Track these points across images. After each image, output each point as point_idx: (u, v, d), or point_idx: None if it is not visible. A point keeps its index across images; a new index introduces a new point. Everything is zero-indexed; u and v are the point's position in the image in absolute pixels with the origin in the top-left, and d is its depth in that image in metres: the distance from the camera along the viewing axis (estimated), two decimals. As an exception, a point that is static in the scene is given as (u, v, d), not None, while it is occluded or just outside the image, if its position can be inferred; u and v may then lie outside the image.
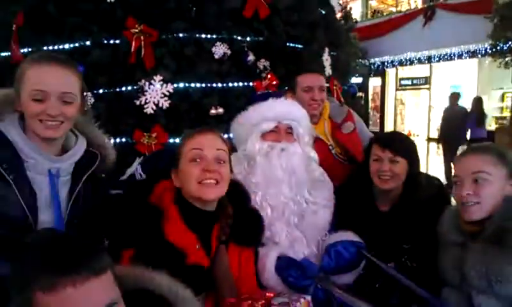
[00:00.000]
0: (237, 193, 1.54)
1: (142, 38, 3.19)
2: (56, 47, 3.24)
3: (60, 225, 1.34)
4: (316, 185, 1.78)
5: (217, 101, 3.29)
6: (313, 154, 1.80)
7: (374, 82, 18.81)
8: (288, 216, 1.67)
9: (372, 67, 17.63)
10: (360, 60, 16.78)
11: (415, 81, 17.47)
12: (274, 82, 3.49)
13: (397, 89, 18.19)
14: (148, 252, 1.26)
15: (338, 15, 4.93)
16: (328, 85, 4.19)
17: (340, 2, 5.21)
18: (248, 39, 3.57)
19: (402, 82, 18.02)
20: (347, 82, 4.79)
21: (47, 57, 1.37)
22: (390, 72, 18.22)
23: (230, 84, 3.41)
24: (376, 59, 17.48)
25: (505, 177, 1.47)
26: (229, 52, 3.41)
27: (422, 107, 16.61)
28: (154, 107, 3.14)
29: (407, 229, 1.75)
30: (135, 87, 3.16)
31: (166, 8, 3.27)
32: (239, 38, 3.52)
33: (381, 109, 19.25)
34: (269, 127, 1.73)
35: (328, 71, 4.22)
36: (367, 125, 19.24)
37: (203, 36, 3.40)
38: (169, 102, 3.15)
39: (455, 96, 8.84)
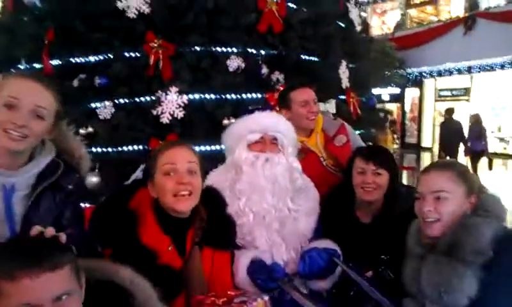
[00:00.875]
0: (213, 198, 1.66)
1: (160, 51, 3.39)
2: (82, 60, 3.50)
3: None
4: (299, 193, 1.88)
5: (230, 112, 3.42)
6: (297, 164, 1.89)
7: (412, 93, 18.46)
8: (269, 222, 1.77)
9: (410, 77, 17.32)
10: (397, 70, 16.51)
11: (454, 92, 17.03)
12: (287, 95, 3.58)
13: (436, 100, 17.77)
14: (122, 253, 1.40)
15: (360, 27, 4.95)
16: (344, 97, 4.26)
17: (360, 14, 5.21)
18: (263, 52, 3.70)
19: (441, 93, 17.59)
20: (366, 94, 4.82)
21: (30, 74, 1.48)
22: (428, 83, 17.84)
23: (244, 96, 3.54)
24: (414, 69, 17.16)
25: (465, 194, 1.51)
26: (243, 65, 3.55)
27: (461, 118, 16.24)
28: (170, 117, 3.32)
29: (386, 240, 1.81)
30: (152, 98, 3.35)
31: (184, 23, 3.46)
32: (254, 51, 3.66)
33: (419, 120, 18.83)
34: (254, 138, 1.85)
35: (345, 83, 4.28)
36: (403, 136, 18.99)
37: (219, 49, 3.56)
38: (183, 112, 3.32)
39: (450, 112, 10.75)
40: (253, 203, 1.77)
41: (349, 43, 4.47)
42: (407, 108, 18.65)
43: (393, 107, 18.32)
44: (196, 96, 3.43)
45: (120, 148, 3.29)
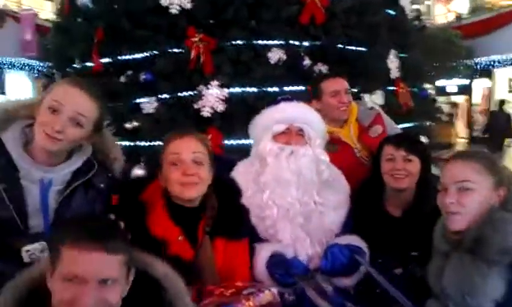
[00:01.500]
0: (225, 188, 1.65)
1: (201, 46, 3.43)
2: (128, 57, 3.62)
3: (48, 231, 1.45)
4: (326, 186, 1.82)
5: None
6: (324, 156, 1.83)
7: (482, 84, 17.34)
8: (293, 216, 1.73)
9: (478, 67, 16.26)
10: (463, 60, 15.58)
11: (529, 82, 15.78)
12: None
13: (510, 91, 16.56)
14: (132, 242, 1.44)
15: (412, 15, 4.72)
16: (393, 88, 4.09)
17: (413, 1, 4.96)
18: (305, 44, 3.63)
19: (516, 83, 16.36)
20: (419, 85, 4.58)
21: (74, 81, 1.54)
22: (499, 72, 16.66)
23: (285, 88, 3.50)
24: (483, 59, 16.09)
25: (492, 186, 1.38)
26: (284, 57, 3.51)
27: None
28: (211, 111, 3.35)
29: (417, 235, 1.70)
30: (194, 92, 3.41)
31: (225, 17, 3.47)
32: (296, 43, 3.60)
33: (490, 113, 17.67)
34: (280, 129, 1.81)
35: (395, 73, 4.10)
36: (471, 129, 18.03)
37: (260, 42, 3.54)
38: (224, 105, 3.34)
39: (501, 103, 11.75)
40: (276, 196, 1.74)
41: (399, 32, 4.27)
42: (475, 100, 17.56)
43: (460, 99, 17.34)
44: (237, 89, 3.44)
45: (162, 142, 3.38)
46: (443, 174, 1.47)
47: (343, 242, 1.73)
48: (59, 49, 4.39)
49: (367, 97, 3.71)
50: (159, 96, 3.47)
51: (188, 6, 3.47)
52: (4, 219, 1.39)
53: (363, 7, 3.82)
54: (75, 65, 4.08)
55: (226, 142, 3.36)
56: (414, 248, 1.71)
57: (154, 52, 3.54)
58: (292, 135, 1.80)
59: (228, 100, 3.36)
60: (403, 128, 4.06)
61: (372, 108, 2.49)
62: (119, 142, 3.27)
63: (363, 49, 3.84)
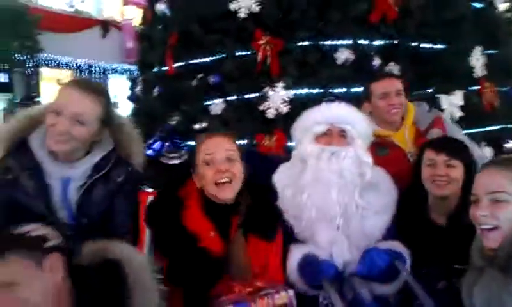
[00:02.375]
0: (261, 188, 1.65)
1: (268, 48, 3.46)
2: (199, 61, 3.77)
3: (73, 222, 1.55)
4: (369, 189, 1.73)
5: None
6: (367, 158, 1.75)
7: None
8: (331, 218, 1.68)
9: None
10: None
11: None
12: (400, 86, 3.32)
13: None
14: (165, 234, 1.50)
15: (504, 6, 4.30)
16: (477, 87, 3.76)
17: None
18: (376, 43, 3.49)
19: None
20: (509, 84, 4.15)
21: (77, 82, 1.61)
22: None
23: (352, 89, 3.39)
24: None
25: None
26: (352, 57, 3.41)
27: None
28: (275, 112, 3.37)
29: (461, 246, 1.55)
30: (259, 94, 3.45)
31: (292, 19, 3.47)
32: (365, 42, 3.48)
33: None
34: (321, 130, 1.77)
35: (479, 72, 3.77)
36: None
37: (327, 43, 3.48)
38: (288, 107, 3.34)
39: None
40: (316, 197, 1.70)
41: (486, 26, 3.91)
42: None
43: None
44: (302, 91, 3.41)
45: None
46: (475, 184, 1.32)
47: (383, 246, 1.64)
48: (142, 55, 4.71)
49: (444, 98, 3.46)
50: (226, 98, 3.56)
51: (256, 9, 3.52)
52: (36, 213, 1.51)
53: (443, 2, 3.57)
54: (154, 69, 4.34)
55: (289, 143, 3.35)
56: (459, 260, 1.55)
57: (223, 55, 3.64)
58: (333, 136, 1.75)
59: (293, 102, 3.34)
60: (487, 131, 3.74)
61: (431, 110, 2.31)
62: (188, 142, 3.53)
63: (441, 47, 3.58)
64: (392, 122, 2.18)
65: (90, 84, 1.62)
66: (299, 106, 3.36)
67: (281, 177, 1.83)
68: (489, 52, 3.92)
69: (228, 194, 1.56)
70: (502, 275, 1.18)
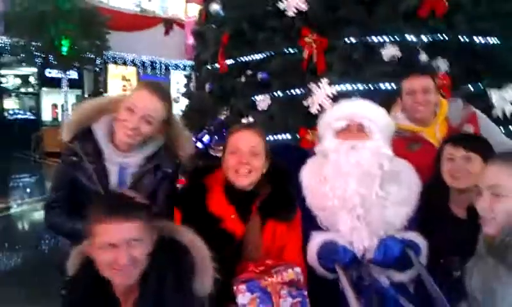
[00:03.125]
0: (283, 176, 1.78)
1: (314, 45, 3.55)
2: (249, 58, 3.94)
3: None
4: (390, 180, 1.79)
5: (381, 101, 3.34)
6: (386, 150, 1.81)
7: None
8: (352, 207, 1.76)
9: None
10: None
11: None
12: (445, 82, 3.28)
13: None
14: (191, 216, 1.68)
15: None
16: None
17: None
18: (423, 38, 3.46)
19: None
20: None
21: (150, 86, 1.78)
22: None
23: (396, 86, 3.39)
24: None
25: None
26: (399, 53, 3.41)
27: None
28: (319, 108, 3.45)
29: (478, 238, 1.57)
30: (304, 90, 3.55)
31: (337, 16, 3.53)
32: (413, 38, 3.46)
33: None
34: (340, 125, 1.85)
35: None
36: None
37: (374, 39, 3.50)
38: (331, 102, 3.41)
39: None
40: (336, 188, 1.78)
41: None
42: None
43: None
44: (346, 87, 3.46)
45: (274, 136, 3.60)
46: (480, 177, 1.36)
47: (399, 236, 1.70)
48: (197, 53, 4.96)
49: (494, 93, 3.36)
50: (273, 93, 3.70)
51: (303, 8, 3.62)
52: (93, 191, 1.75)
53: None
54: (208, 66, 4.57)
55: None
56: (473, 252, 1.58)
57: (271, 52, 3.78)
58: (352, 130, 1.83)
59: (336, 98, 3.40)
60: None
61: (466, 106, 2.29)
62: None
63: (495, 41, 3.48)
64: (418, 119, 2.21)
65: (160, 89, 1.82)
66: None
67: (308, 170, 1.93)
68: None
69: (244, 183, 1.71)
70: (494, 262, 1.22)
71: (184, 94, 5.13)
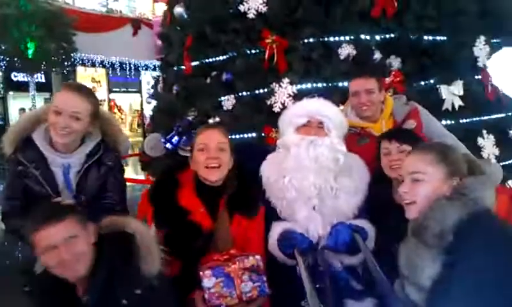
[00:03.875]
0: (247, 174, 1.96)
1: (275, 46, 3.70)
2: (213, 59, 4.06)
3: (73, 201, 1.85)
4: (343, 173, 1.95)
5: (339, 98, 3.52)
6: (341, 146, 1.97)
7: None
8: (308, 198, 1.92)
9: None
10: None
11: None
12: (398, 79, 3.50)
13: None
14: (162, 210, 1.82)
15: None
16: (479, 77, 3.88)
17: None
18: (377, 37, 3.67)
19: None
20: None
21: (69, 86, 1.92)
22: None
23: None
24: None
25: (444, 177, 1.41)
26: (354, 52, 3.60)
27: None
28: (281, 106, 3.61)
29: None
30: (267, 89, 3.70)
31: (296, 17, 3.69)
32: (367, 37, 3.66)
33: None
34: (301, 122, 2.00)
35: (483, 61, 3.88)
36: None
37: (331, 39, 3.69)
38: (293, 101, 3.57)
39: None
40: (295, 180, 1.93)
41: (493, 16, 3.99)
42: None
43: None
44: (306, 85, 3.63)
45: (240, 135, 3.74)
46: (402, 167, 1.55)
47: (348, 222, 1.87)
48: (164, 54, 5.05)
49: (443, 88, 3.60)
50: (237, 93, 3.84)
51: (263, 10, 3.76)
52: (44, 195, 1.87)
53: (442, -4, 3.69)
54: (174, 68, 4.67)
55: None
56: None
57: (234, 53, 3.91)
58: (312, 127, 1.99)
59: (297, 96, 3.57)
60: (493, 119, 3.85)
61: (407, 103, 2.49)
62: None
63: (442, 38, 3.72)
64: (365, 117, 2.40)
65: (80, 86, 1.96)
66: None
67: (268, 163, 2.08)
68: (495, 41, 4.02)
69: (215, 177, 1.85)
70: (414, 241, 1.40)
71: (151, 96, 5.21)
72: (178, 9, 4.49)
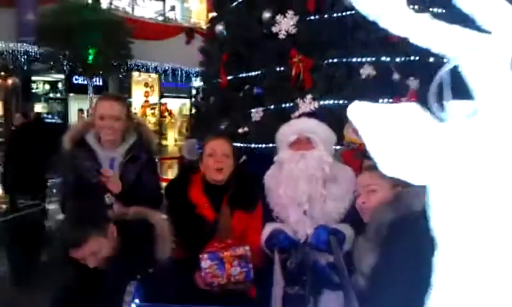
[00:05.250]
0: (247, 176, 2.36)
1: (301, 65, 4.06)
2: (246, 75, 4.48)
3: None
4: (330, 181, 2.28)
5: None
6: (327, 158, 2.28)
7: None
8: (300, 204, 2.25)
9: None
10: None
11: None
12: (412, 99, 3.74)
13: None
14: (175, 203, 2.25)
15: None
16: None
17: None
18: (396, 59, 3.94)
19: None
20: None
21: (106, 95, 2.48)
22: None
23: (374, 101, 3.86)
24: None
25: (390, 186, 1.73)
26: (374, 72, 3.89)
27: None
28: (304, 120, 3.95)
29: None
30: (291, 104, 4.06)
31: (322, 40, 4.04)
32: (388, 59, 3.93)
33: None
34: (292, 138, 2.34)
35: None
36: None
37: (353, 59, 4.00)
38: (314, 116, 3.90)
39: None
40: (289, 189, 2.27)
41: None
42: None
43: None
44: (328, 102, 3.96)
45: (265, 145, 4.11)
46: (357, 183, 1.90)
47: (330, 225, 2.19)
48: (204, 68, 5.54)
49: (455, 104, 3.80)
50: (265, 107, 4.22)
51: (293, 31, 4.13)
52: (96, 184, 2.34)
53: (463, 16, 3.89)
54: (213, 80, 5.13)
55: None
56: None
57: (264, 70, 4.31)
58: (302, 143, 2.32)
59: (319, 112, 3.90)
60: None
61: None
62: (234, 143, 4.25)
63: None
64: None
65: (114, 95, 2.59)
66: (324, 116, 3.94)
67: (268, 176, 2.45)
68: None
69: (219, 177, 2.28)
70: (362, 238, 1.72)
71: (192, 104, 5.71)
72: (219, 27, 4.95)
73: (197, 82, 18.01)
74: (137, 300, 1.71)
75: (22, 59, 13.44)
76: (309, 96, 3.96)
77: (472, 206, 0.73)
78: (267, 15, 4.28)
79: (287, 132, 2.41)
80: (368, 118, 0.84)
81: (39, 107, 16.04)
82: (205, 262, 1.99)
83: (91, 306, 1.85)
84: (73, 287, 1.98)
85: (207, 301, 1.95)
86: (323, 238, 2.13)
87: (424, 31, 0.77)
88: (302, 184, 2.26)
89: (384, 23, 0.80)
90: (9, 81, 13.94)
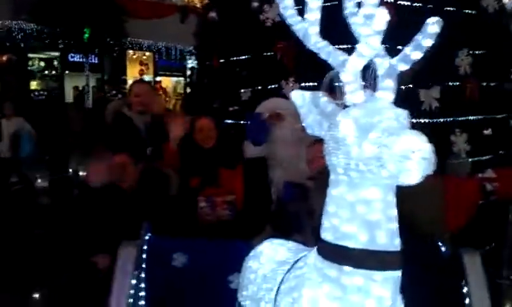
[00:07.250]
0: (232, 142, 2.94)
1: (285, 51, 4.53)
2: (236, 58, 4.95)
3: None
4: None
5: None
6: (297, 124, 2.85)
7: None
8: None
9: None
10: None
11: None
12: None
13: None
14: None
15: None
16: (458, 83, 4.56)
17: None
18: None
19: None
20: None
21: (139, 80, 3.29)
22: None
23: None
24: None
25: None
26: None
27: None
28: (287, 100, 4.44)
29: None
30: (276, 85, 4.55)
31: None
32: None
33: None
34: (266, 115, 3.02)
35: (466, 70, 4.54)
36: None
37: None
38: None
39: None
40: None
41: (475, 30, 4.62)
42: None
43: None
44: (308, 84, 4.45)
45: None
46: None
47: None
48: (198, 50, 5.98)
49: (422, 92, 4.32)
50: (253, 88, 4.71)
51: (278, 19, 4.58)
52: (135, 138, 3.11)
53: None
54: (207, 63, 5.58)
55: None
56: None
57: (252, 55, 4.77)
58: (273, 117, 3.02)
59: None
60: (471, 120, 4.55)
61: None
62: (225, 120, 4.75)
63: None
64: None
65: (143, 80, 3.40)
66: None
67: None
68: (477, 52, 4.66)
69: (209, 144, 2.96)
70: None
71: (186, 84, 6.17)
72: (212, 14, 5.37)
73: (191, 62, 18.37)
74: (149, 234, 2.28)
75: (19, 37, 13.69)
76: (291, 79, 4.45)
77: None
78: (255, 4, 4.71)
79: (264, 108, 2.98)
80: (303, 101, 1.33)
81: (34, 84, 16.32)
82: (202, 203, 2.68)
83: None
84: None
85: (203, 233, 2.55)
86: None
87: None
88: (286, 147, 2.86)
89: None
90: (4, 58, 14.23)
